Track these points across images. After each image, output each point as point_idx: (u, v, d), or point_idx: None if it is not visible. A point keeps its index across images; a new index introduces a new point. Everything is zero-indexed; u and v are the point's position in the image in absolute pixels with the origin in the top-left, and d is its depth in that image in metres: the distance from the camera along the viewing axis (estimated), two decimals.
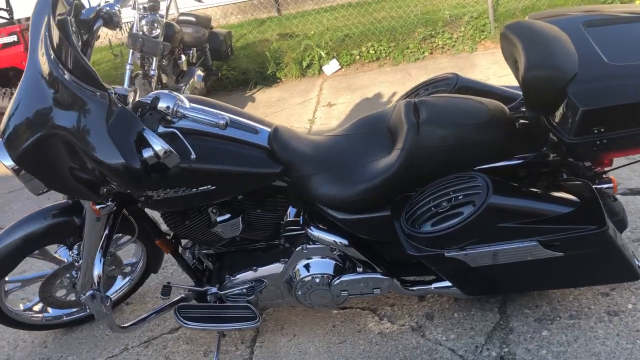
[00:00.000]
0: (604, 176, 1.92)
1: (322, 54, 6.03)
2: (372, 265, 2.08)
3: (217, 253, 2.24)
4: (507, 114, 1.91)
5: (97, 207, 1.93)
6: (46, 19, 1.73)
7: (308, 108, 5.06)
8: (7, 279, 2.27)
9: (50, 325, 2.48)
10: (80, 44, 1.98)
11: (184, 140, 1.73)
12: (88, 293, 1.92)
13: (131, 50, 4.48)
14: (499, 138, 1.86)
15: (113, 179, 1.69)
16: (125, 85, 4.44)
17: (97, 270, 1.93)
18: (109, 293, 2.52)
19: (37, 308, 2.43)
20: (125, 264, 2.53)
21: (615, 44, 1.74)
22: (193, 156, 1.72)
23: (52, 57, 1.68)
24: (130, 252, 2.63)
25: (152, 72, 4.56)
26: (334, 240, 2.03)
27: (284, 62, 6.08)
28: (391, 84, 5.26)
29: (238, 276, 2.15)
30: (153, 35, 4.52)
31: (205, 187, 1.85)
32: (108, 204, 1.95)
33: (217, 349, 2.22)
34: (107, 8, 2.04)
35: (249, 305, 2.14)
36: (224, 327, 2.14)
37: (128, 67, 4.49)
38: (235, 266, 2.19)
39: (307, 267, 2.09)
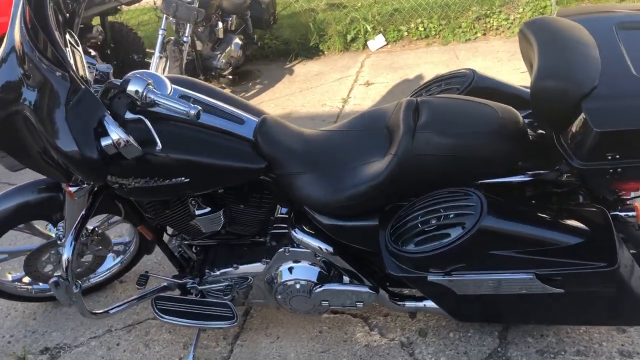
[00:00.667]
0: (627, 202, 1.67)
1: (368, 28, 5.76)
2: (359, 276, 1.91)
3: (201, 245, 2.12)
4: (519, 122, 1.67)
5: (71, 189, 1.83)
6: None
7: (344, 85, 4.85)
8: None
9: (39, 298, 2.45)
10: (65, 14, 1.86)
11: (151, 128, 1.59)
12: (51, 280, 1.84)
13: (165, 16, 4.38)
14: (506, 150, 1.63)
15: (69, 166, 1.58)
16: (157, 52, 4.35)
17: (66, 254, 1.84)
18: (99, 271, 2.47)
19: (26, 280, 2.40)
20: (117, 243, 2.46)
21: None
22: (158, 147, 1.59)
23: (24, 30, 1.57)
24: (124, 230, 2.56)
25: (184, 39, 4.45)
26: (319, 246, 1.87)
27: (327, 35, 5.85)
28: (436, 65, 4.97)
29: (218, 272, 2.03)
30: (187, 0, 4.39)
31: (178, 179, 1.71)
32: (84, 186, 1.85)
33: (195, 344, 2.12)
34: None
35: (228, 303, 2.02)
36: (199, 324, 2.03)
37: (161, 32, 4.38)
38: (217, 261, 2.07)
39: (289, 270, 1.95)
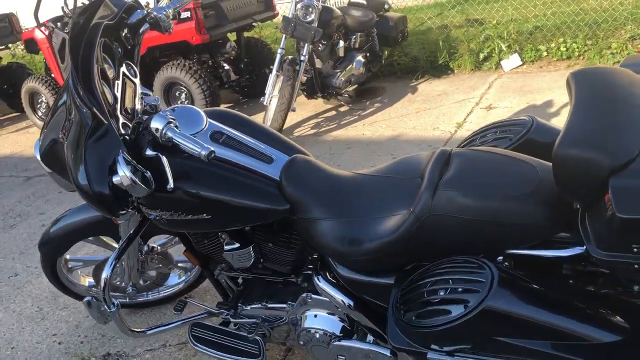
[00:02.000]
0: None
1: (503, 47, 5.40)
2: (382, 335, 1.77)
3: (243, 277, 2.12)
4: None
5: None
6: (82, 21, 1.74)
7: (464, 108, 4.59)
8: (68, 257, 2.44)
9: None
10: (127, 46, 1.97)
11: (166, 166, 1.62)
12: (85, 299, 1.96)
13: (284, 35, 4.50)
14: (542, 218, 1.40)
15: (83, 198, 1.65)
16: (274, 70, 4.48)
17: (105, 274, 1.94)
18: (161, 288, 2.58)
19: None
20: (181, 261, 2.55)
21: None
22: (170, 186, 1.61)
23: (70, 64, 1.68)
24: None
25: (302, 58, 4.53)
26: (338, 298, 1.76)
27: (458, 53, 5.60)
28: None
29: (249, 307, 2.01)
30: (307, 20, 4.47)
31: (200, 215, 1.73)
32: (128, 211, 1.93)
33: None
34: (155, 13, 1.99)
35: (257, 339, 1.99)
36: (226, 356, 2.02)
37: (279, 51, 4.52)
38: (251, 295, 2.05)
39: (314, 316, 1.87)
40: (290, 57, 4.52)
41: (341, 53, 4.98)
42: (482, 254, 1.45)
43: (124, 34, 1.97)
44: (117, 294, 2.51)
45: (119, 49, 1.94)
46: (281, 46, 4.52)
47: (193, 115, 1.75)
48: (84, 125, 1.60)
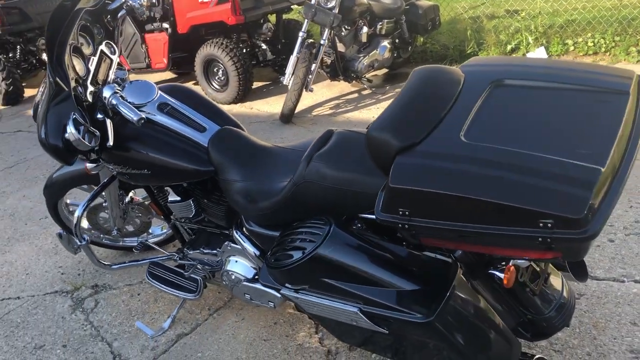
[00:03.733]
0: (502, 263, 1.61)
1: (530, 39, 5.46)
2: None
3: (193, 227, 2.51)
4: None
5: (88, 165, 2.38)
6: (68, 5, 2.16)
7: None
8: (68, 201, 2.94)
9: (115, 247, 3.10)
10: (107, 28, 2.39)
11: (109, 127, 2.03)
12: (57, 232, 2.42)
13: (306, 19, 4.82)
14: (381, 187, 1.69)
15: (43, 149, 2.08)
16: (295, 52, 4.81)
17: (77, 214, 2.39)
18: (148, 236, 3.01)
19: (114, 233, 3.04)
20: None
21: (500, 117, 1.44)
22: (109, 143, 2.02)
23: (47, 40, 2.11)
24: None
25: (321, 42, 4.84)
26: (248, 247, 2.12)
27: (487, 43, 5.70)
28: None
29: (192, 252, 2.41)
30: (328, 6, 4.75)
31: (142, 170, 2.13)
32: (96, 165, 2.36)
33: (178, 307, 2.53)
34: (130, 2, 2.39)
35: (197, 279, 2.39)
36: (170, 291, 2.43)
37: (300, 34, 4.84)
38: (196, 243, 2.44)
39: (234, 262, 2.23)
40: (310, 40, 4.83)
41: (364, 39, 5.23)
42: (344, 215, 1.76)
43: (106, 19, 2.38)
44: (108, 236, 2.99)
45: (101, 30, 2.36)
46: (303, 30, 4.84)
47: (146, 88, 2.14)
48: (51, 90, 2.02)
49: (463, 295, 1.54)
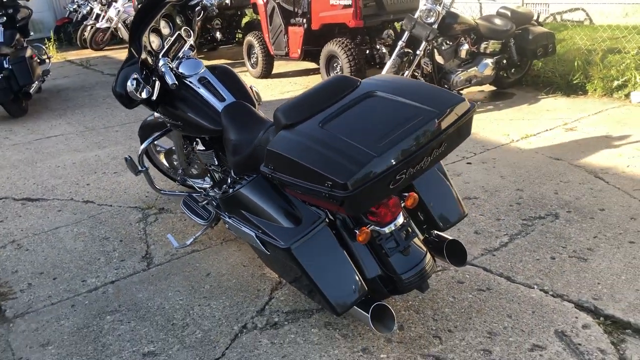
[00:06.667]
0: (368, 226, 2.16)
1: (638, 78, 5.40)
2: None
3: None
4: None
5: (155, 115, 3.30)
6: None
7: (549, 124, 4.93)
8: (156, 143, 3.92)
9: (172, 179, 4.04)
10: (187, 17, 3.26)
11: (156, 86, 2.88)
12: (124, 156, 3.37)
13: (406, 31, 5.37)
14: None
15: (114, 95, 2.98)
16: (392, 57, 5.40)
17: (142, 147, 3.33)
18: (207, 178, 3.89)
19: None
20: None
21: (352, 114, 2.01)
22: (153, 98, 2.87)
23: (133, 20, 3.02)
24: None
25: (417, 52, 5.36)
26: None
27: (595, 76, 5.72)
28: None
29: (210, 191, 3.20)
30: (428, 21, 5.25)
31: (177, 122, 2.98)
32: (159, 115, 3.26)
33: (201, 232, 3.35)
34: (205, 1, 3.23)
35: (211, 211, 3.19)
36: (191, 216, 3.25)
37: (399, 43, 5.40)
38: (214, 184, 3.24)
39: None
40: (406, 49, 5.37)
41: (463, 55, 5.62)
42: None
43: (188, 11, 3.26)
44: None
45: (182, 18, 3.25)
46: (402, 39, 5.39)
47: (195, 65, 2.99)
48: (128, 56, 2.95)
49: (321, 239, 2.12)
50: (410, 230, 2.25)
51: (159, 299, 2.81)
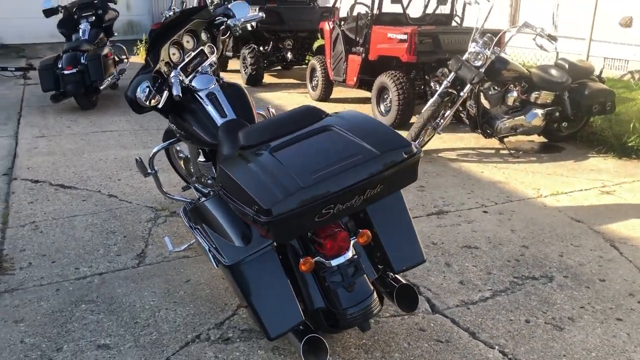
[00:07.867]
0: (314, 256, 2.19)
1: None
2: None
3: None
4: None
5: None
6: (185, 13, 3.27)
7: (585, 185, 4.72)
8: (177, 147, 4.10)
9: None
10: (213, 35, 3.42)
11: (164, 95, 3.04)
12: (135, 157, 3.54)
13: (452, 71, 5.32)
14: None
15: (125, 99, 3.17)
16: (436, 94, 5.34)
17: (153, 150, 3.51)
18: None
19: None
20: None
21: (303, 145, 2.07)
22: (159, 106, 3.03)
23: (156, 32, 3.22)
24: None
25: (460, 94, 5.29)
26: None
27: None
28: None
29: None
30: (475, 64, 5.18)
31: (181, 131, 3.13)
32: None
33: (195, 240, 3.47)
34: (229, 22, 3.38)
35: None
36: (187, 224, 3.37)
37: (444, 83, 5.35)
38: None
39: None
40: (449, 89, 5.31)
41: (510, 102, 5.49)
42: None
43: (214, 29, 3.42)
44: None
45: (208, 35, 3.41)
46: (447, 79, 5.34)
47: (207, 80, 3.14)
48: (145, 63, 3.14)
49: (265, 262, 2.16)
50: (358, 267, 2.25)
51: (134, 296, 2.94)
